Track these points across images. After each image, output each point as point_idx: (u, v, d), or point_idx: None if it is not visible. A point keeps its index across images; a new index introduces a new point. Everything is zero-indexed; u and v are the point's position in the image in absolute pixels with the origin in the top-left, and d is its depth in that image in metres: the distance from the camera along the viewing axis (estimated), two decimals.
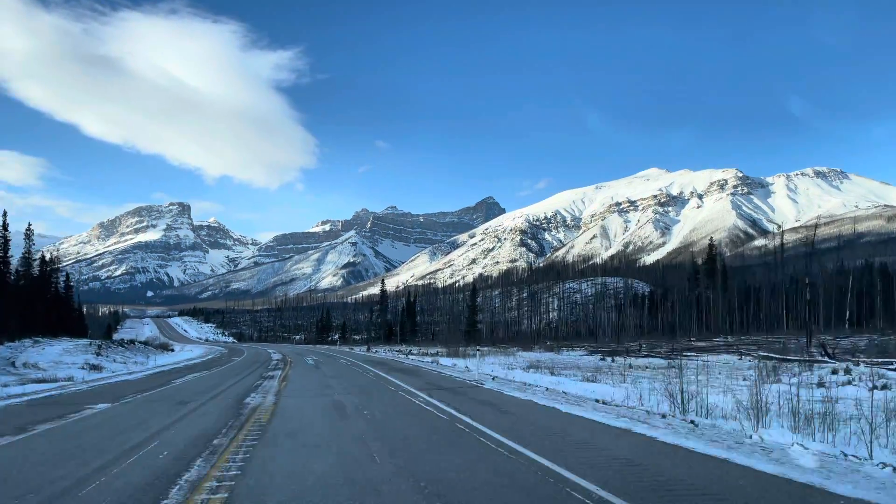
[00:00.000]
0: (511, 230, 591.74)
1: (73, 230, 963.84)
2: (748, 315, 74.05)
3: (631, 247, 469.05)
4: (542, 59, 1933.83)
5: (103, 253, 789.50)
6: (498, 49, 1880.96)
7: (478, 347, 41.11)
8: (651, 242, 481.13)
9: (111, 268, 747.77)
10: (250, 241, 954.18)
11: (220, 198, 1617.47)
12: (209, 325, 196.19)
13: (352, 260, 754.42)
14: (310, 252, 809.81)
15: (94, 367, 23.03)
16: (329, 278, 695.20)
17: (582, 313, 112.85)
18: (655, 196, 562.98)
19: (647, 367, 25.82)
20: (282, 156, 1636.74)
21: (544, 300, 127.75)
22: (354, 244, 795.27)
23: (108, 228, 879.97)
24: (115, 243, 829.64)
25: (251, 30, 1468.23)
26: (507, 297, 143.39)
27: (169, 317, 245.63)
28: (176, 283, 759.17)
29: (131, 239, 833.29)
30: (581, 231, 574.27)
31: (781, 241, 78.44)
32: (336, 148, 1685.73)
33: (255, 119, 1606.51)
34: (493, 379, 20.23)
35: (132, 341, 48.26)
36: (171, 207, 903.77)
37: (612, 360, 32.57)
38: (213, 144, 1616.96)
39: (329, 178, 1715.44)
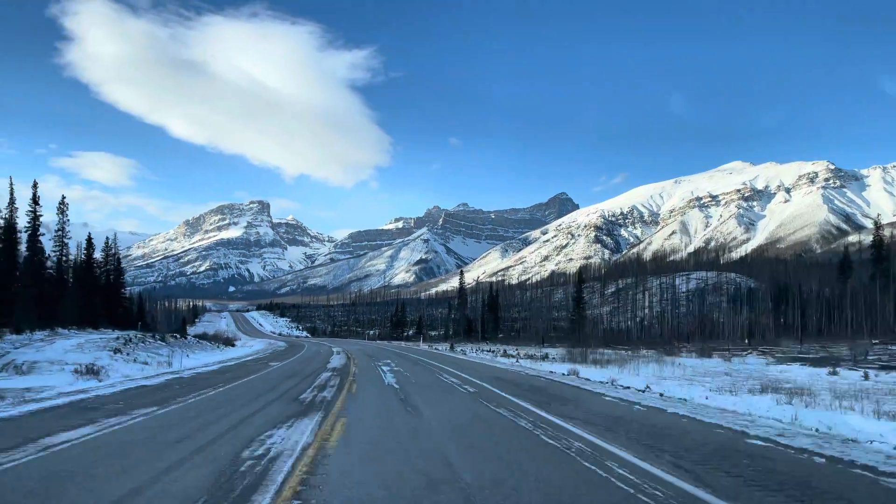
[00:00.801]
0: (585, 226, 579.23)
1: (161, 228, 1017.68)
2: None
3: (713, 243, 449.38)
4: (617, 48, 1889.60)
5: (188, 249, 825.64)
6: (570, 41, 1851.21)
7: (601, 350, 36.85)
8: (734, 239, 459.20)
9: (196, 264, 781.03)
10: (326, 238, 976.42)
11: (298, 196, 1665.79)
12: (284, 319, 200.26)
13: (424, 257, 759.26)
14: (383, 249, 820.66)
15: (92, 372, 17.88)
16: (402, 275, 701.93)
17: (686, 310, 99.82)
18: (739, 190, 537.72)
19: None
20: (357, 154, 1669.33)
21: (633, 296, 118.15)
22: (426, 241, 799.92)
23: (193, 226, 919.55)
24: (199, 240, 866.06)
25: (327, 30, 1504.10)
26: (591, 294, 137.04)
27: (247, 311, 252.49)
28: (256, 279, 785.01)
29: (214, 236, 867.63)
30: (659, 227, 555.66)
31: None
32: (409, 146, 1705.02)
33: (332, 118, 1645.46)
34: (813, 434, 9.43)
35: (180, 335, 45.65)
36: (251, 205, 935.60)
37: (835, 372, 23.94)
38: (292, 144, 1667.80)
39: (402, 176, 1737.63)
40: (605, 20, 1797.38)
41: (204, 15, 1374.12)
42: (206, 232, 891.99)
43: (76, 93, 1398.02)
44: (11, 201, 38.84)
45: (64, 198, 49.23)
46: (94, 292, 48.77)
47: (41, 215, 42.55)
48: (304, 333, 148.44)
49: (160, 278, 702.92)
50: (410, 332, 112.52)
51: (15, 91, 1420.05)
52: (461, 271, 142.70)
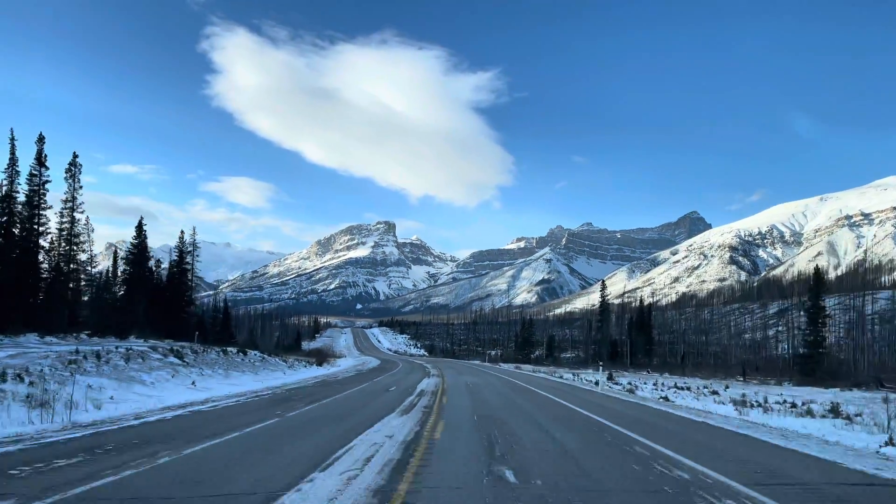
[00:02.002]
0: (719, 246, 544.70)
1: (296, 247, 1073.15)
2: None
3: (866, 264, 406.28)
4: (745, 62, 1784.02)
5: (320, 268, 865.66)
6: (698, 55, 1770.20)
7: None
8: (891, 260, 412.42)
9: (326, 282, 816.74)
10: (449, 258, 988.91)
11: (422, 216, 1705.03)
12: (403, 336, 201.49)
13: (546, 277, 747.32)
14: (505, 268, 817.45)
15: None
16: (523, 295, 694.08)
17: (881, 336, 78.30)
18: (895, 208, 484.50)
19: None
20: (480, 175, 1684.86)
21: (796, 320, 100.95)
22: (549, 261, 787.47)
23: (325, 246, 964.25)
24: (329, 259, 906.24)
25: (453, 54, 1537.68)
26: (742, 315, 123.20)
27: (370, 327, 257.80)
28: (382, 297, 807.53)
29: (344, 255, 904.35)
30: (802, 247, 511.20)
31: None
32: (532, 165, 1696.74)
33: (456, 139, 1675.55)
34: None
35: (239, 350, 38.45)
36: (378, 226, 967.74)
37: None
38: (417, 165, 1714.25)
39: (525, 196, 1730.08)
40: (739, 23, 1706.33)
41: (337, 44, 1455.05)
42: (336, 251, 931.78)
43: (222, 122, 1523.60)
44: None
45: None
46: (151, 302, 49.97)
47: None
48: (421, 352, 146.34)
49: (293, 295, 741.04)
50: (537, 354, 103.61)
51: (170, 121, 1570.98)
52: (602, 282, 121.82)
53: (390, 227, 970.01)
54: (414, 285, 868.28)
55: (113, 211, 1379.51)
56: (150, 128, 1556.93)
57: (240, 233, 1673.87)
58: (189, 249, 64.49)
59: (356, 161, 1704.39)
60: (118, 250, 64.60)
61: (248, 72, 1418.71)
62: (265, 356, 39.84)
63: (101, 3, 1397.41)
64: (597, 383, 34.00)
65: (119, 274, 56.86)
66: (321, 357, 57.31)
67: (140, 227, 54.76)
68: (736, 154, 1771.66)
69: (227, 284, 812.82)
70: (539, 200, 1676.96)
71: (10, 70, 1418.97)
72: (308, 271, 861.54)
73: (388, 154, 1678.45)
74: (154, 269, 57.20)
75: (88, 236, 48.92)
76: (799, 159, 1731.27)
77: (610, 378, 40.82)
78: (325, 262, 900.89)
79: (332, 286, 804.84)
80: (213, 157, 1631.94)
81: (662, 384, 37.73)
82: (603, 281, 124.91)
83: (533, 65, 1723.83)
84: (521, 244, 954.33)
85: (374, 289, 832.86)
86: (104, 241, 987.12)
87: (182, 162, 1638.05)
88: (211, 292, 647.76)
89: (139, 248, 53.37)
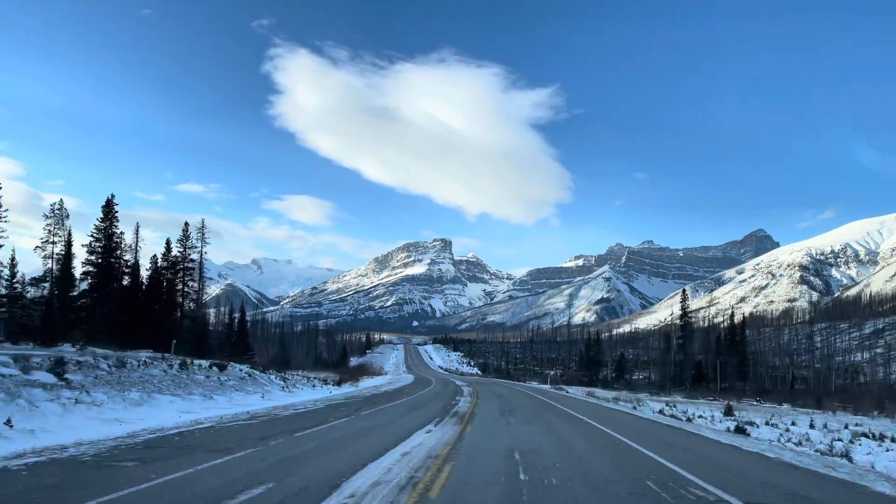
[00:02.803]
0: (788, 265, 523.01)
1: (354, 264, 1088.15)
2: None
3: None
4: (819, 73, 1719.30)
5: (377, 285, 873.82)
6: (762, 69, 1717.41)
7: None
8: None
9: (383, 299, 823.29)
10: (506, 276, 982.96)
11: (479, 234, 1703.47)
12: (457, 353, 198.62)
13: (605, 296, 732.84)
14: (563, 287, 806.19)
15: None
16: (582, 313, 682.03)
17: None
18: None
19: None
20: (538, 192, 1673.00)
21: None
22: (608, 279, 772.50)
23: (382, 263, 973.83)
24: (387, 276, 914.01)
25: (511, 71, 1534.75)
26: (830, 336, 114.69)
27: (424, 344, 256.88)
28: (438, 315, 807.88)
29: (400, 272, 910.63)
30: (879, 267, 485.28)
31: None
32: (591, 182, 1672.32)
33: (514, 157, 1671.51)
34: None
35: (215, 366, 29.26)
36: (434, 243, 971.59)
37: None
38: (474, 183, 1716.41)
39: (583, 213, 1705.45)
40: (811, 33, 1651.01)
41: (396, 63, 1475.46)
42: (393, 268, 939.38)
43: (284, 141, 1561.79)
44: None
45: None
46: (124, 305, 42.43)
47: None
48: (474, 370, 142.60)
49: (351, 311, 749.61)
50: (604, 374, 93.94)
51: (235, 141, 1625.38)
52: (683, 290, 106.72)
53: (446, 245, 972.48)
54: (470, 303, 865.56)
55: (179, 228, 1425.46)
56: (216, 148, 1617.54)
57: (301, 250, 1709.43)
58: (194, 245, 53.05)
59: (414, 179, 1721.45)
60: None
61: (309, 92, 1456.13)
62: (254, 372, 32.78)
63: (172, 32, 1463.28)
64: (736, 431, 20.60)
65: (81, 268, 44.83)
66: (353, 374, 55.20)
67: (109, 207, 42.59)
68: (806, 169, 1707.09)
69: (287, 300, 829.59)
70: (598, 217, 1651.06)
71: (93, 95, 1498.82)
72: (365, 288, 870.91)
73: (445, 172, 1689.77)
74: (130, 262, 47.28)
75: None
76: (874, 175, 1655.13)
77: (728, 413, 29.98)
78: (382, 278, 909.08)
79: (389, 303, 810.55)
80: (276, 176, 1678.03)
81: (825, 425, 26.61)
82: (684, 290, 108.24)
83: (592, 81, 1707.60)
84: (580, 262, 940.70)
85: (430, 306, 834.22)
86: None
87: (246, 180, 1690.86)
88: (272, 308, 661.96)
89: (105, 236, 42.02)
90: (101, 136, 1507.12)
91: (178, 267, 52.31)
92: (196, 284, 54.69)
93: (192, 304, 54.61)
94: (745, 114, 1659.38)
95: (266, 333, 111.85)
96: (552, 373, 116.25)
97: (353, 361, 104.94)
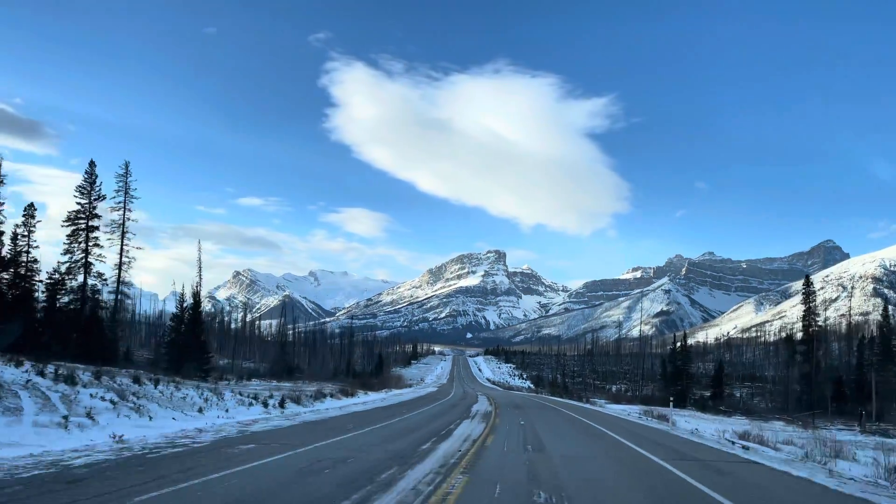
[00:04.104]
0: (861, 277, 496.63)
1: (408, 276, 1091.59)
2: None
3: None
4: (889, 78, 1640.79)
5: (431, 297, 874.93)
6: (826, 71, 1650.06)
7: None
8: None
9: (437, 310, 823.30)
10: (561, 288, 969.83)
11: (534, 245, 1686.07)
12: (508, 365, 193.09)
13: (665, 308, 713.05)
14: (620, 299, 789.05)
15: None
16: (640, 326, 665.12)
17: None
18: None
19: None
20: (594, 202, 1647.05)
21: None
22: (668, 292, 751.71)
23: (436, 274, 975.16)
24: (440, 288, 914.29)
25: (567, 80, 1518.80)
26: None
27: (475, 356, 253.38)
28: (492, 327, 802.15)
29: (454, 284, 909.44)
30: None
31: None
32: (650, 192, 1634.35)
33: (569, 167, 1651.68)
34: None
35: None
36: (488, 255, 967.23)
37: None
38: (529, 194, 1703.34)
39: (642, 224, 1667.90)
40: (881, 32, 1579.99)
41: (451, 75, 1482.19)
42: (447, 280, 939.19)
43: (340, 154, 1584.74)
44: None
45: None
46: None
47: None
48: (527, 384, 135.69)
49: (405, 323, 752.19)
50: (693, 392, 75.30)
51: (293, 155, 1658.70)
52: (807, 280, 76.95)
53: (500, 256, 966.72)
54: (524, 315, 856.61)
55: (240, 241, 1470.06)
56: (275, 162, 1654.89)
57: (357, 262, 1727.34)
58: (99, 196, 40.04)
59: (468, 190, 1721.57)
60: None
61: (365, 104, 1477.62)
62: (202, 386, 27.83)
63: (234, 49, 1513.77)
64: None
65: None
66: (367, 386, 51.45)
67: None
68: (879, 177, 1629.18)
69: (343, 311, 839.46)
70: (656, 228, 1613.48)
71: (157, 112, 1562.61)
72: (419, 299, 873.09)
73: (499, 183, 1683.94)
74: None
75: None
76: None
77: None
78: (436, 290, 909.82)
79: (443, 315, 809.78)
80: (332, 189, 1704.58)
81: None
82: (807, 278, 78.07)
83: (650, 89, 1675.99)
84: (638, 274, 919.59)
85: (484, 318, 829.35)
86: (231, 269, 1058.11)
87: (303, 194, 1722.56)
88: (329, 318, 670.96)
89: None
90: (163, 151, 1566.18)
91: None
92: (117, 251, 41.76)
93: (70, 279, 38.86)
94: (813, 119, 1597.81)
95: (303, 343, 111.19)
96: (614, 388, 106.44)
97: (396, 371, 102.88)
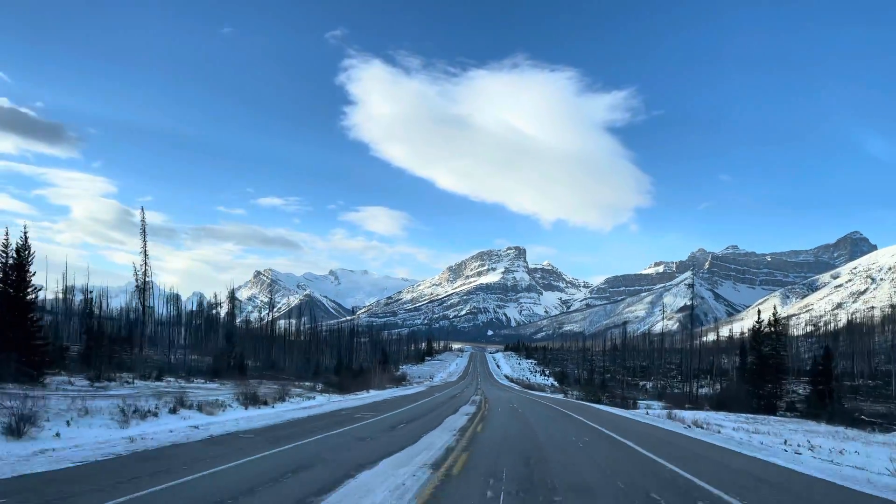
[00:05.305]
0: (890, 269, 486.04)
1: (428, 274, 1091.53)
2: None
3: None
4: None
5: (451, 294, 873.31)
6: (854, 59, 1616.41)
7: None
8: None
9: (457, 308, 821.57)
10: (582, 284, 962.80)
11: (554, 241, 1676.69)
12: (529, 361, 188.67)
13: (688, 303, 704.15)
14: (642, 294, 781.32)
15: None
16: (663, 322, 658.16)
17: None
18: None
19: None
20: (615, 197, 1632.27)
21: None
22: (691, 286, 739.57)
23: (455, 272, 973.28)
24: (460, 285, 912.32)
25: (586, 74, 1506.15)
26: None
27: (495, 352, 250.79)
28: (513, 324, 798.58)
29: (474, 281, 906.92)
30: None
31: None
32: (672, 185, 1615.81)
33: (589, 162, 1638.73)
34: None
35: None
36: (508, 252, 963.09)
37: None
38: (549, 189, 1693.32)
39: (664, 218, 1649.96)
40: None
41: (469, 70, 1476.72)
42: (467, 277, 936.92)
43: (359, 152, 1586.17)
44: None
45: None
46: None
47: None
48: (550, 381, 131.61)
49: (426, 321, 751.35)
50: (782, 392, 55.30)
51: (312, 154, 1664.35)
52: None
53: (521, 253, 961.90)
54: (546, 312, 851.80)
55: (260, 241, 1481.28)
56: (295, 161, 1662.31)
57: (377, 260, 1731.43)
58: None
59: (487, 187, 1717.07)
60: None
61: (382, 102, 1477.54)
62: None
63: (251, 49, 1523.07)
64: None
65: None
66: (353, 385, 45.95)
67: None
68: None
69: (363, 310, 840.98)
70: (679, 222, 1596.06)
71: (177, 114, 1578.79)
72: (440, 297, 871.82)
73: (519, 179, 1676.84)
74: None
75: None
76: None
77: None
78: (456, 288, 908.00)
79: (463, 312, 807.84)
80: (351, 188, 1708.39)
81: None
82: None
83: (671, 81, 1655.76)
84: (660, 269, 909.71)
85: (505, 315, 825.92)
86: (252, 269, 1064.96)
87: (323, 193, 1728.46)
88: (349, 317, 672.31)
89: None
90: (182, 152, 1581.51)
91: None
92: None
93: None
94: (836, 109, 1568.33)
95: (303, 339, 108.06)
96: (648, 385, 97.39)
97: (407, 368, 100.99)
